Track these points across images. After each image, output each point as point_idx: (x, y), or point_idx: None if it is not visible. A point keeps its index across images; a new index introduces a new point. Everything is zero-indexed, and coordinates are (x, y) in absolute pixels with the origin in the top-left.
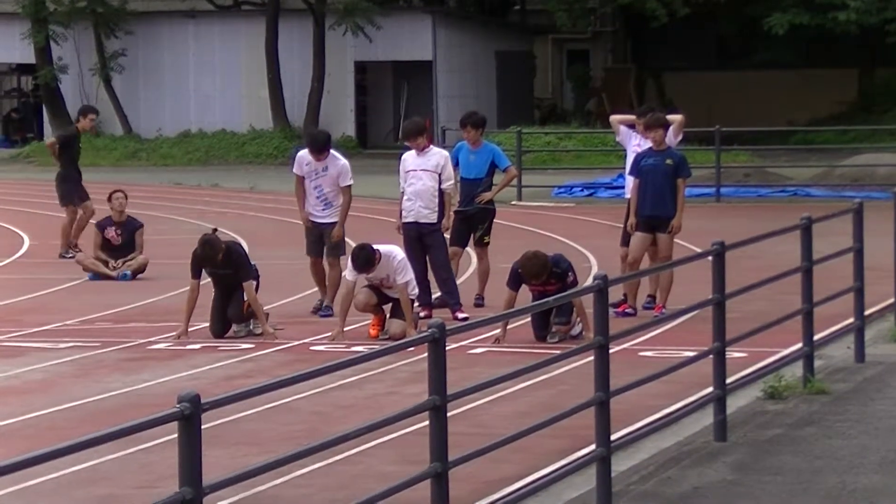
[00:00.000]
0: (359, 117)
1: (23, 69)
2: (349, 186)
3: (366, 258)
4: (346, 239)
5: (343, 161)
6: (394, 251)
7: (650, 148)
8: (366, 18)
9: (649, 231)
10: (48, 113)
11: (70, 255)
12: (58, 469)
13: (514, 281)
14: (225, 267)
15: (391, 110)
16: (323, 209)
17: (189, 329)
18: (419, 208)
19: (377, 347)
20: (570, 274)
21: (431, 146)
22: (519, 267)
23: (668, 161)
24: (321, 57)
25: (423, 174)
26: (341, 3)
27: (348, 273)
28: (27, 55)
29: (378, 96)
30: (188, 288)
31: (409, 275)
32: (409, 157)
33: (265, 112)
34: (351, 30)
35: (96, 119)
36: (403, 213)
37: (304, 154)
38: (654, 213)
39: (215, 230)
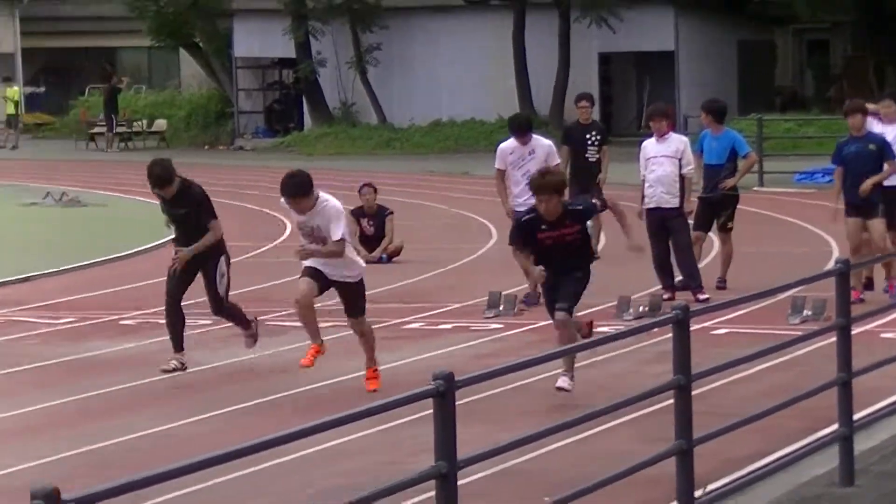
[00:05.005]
0: (603, 107)
1: (284, 63)
2: (558, 166)
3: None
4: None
5: (548, 142)
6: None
7: (851, 135)
8: (609, 11)
9: (859, 216)
10: (307, 104)
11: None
12: (318, 443)
13: (518, 235)
14: None
15: (634, 100)
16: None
17: (443, 310)
18: (661, 194)
19: (622, 328)
20: (589, 203)
21: (671, 133)
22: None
23: (871, 146)
24: (566, 48)
25: (663, 160)
26: None
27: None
28: (288, 50)
29: (621, 86)
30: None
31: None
32: (650, 145)
33: (512, 101)
34: (595, 22)
35: (588, 106)
36: (646, 200)
37: (506, 146)
38: (860, 199)
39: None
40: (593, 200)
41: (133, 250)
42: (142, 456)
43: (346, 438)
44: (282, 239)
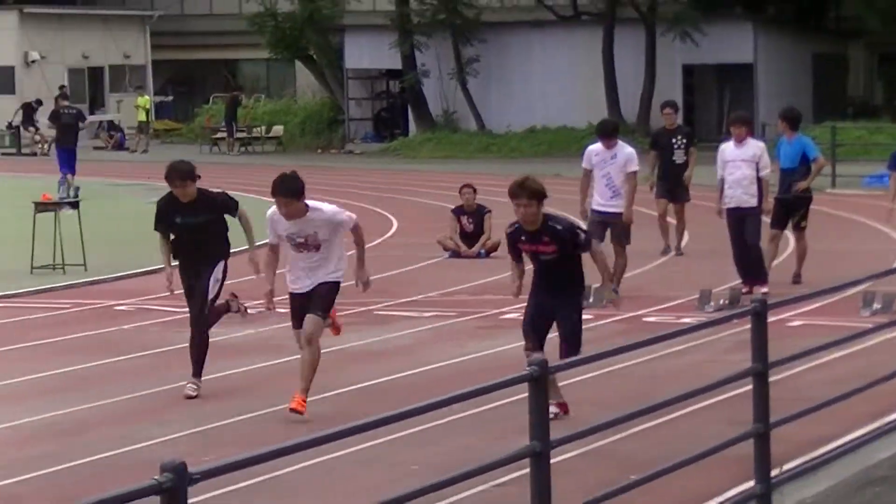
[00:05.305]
0: (686, 115)
1: (391, 74)
2: (634, 173)
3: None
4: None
5: (630, 149)
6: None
7: None
8: (692, 26)
9: None
10: (412, 112)
11: (672, 252)
12: (422, 423)
13: (509, 245)
14: None
15: (715, 108)
16: (611, 197)
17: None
18: (740, 195)
19: (703, 319)
20: (575, 232)
21: (749, 138)
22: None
23: None
24: (652, 61)
25: (741, 164)
26: (670, 13)
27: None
28: (395, 62)
29: (703, 96)
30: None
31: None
32: (728, 149)
33: (602, 109)
34: (679, 36)
35: (672, 113)
36: (725, 200)
37: (592, 148)
38: None
39: None
40: (579, 230)
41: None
42: (260, 434)
43: (448, 419)
44: (390, 234)
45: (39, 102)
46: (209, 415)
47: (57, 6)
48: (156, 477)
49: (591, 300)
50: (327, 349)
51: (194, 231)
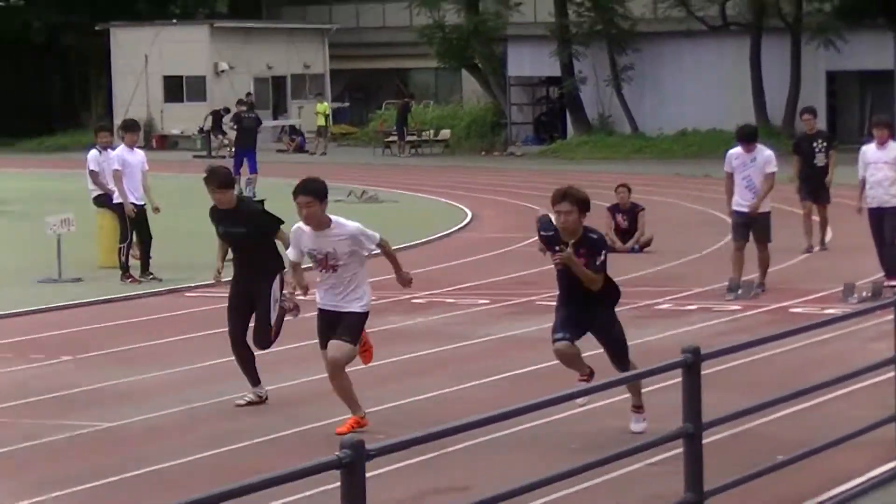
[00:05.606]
0: (829, 118)
1: (550, 81)
2: (773, 174)
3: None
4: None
5: (769, 151)
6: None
7: None
8: (836, 34)
9: None
10: (570, 116)
11: (816, 248)
12: (564, 410)
13: (544, 242)
14: None
15: (857, 113)
16: (752, 198)
17: (688, 293)
18: (881, 195)
19: (848, 311)
20: (602, 250)
21: (891, 141)
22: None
23: None
24: (797, 68)
25: (883, 165)
26: (815, 22)
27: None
28: (554, 69)
29: (845, 100)
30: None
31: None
32: (870, 151)
33: (749, 113)
34: (822, 44)
35: (811, 119)
36: (868, 200)
37: (732, 152)
38: None
39: None
40: (605, 251)
41: (422, 239)
42: (429, 414)
43: (604, 402)
44: None
45: (227, 110)
46: (378, 398)
47: (244, 21)
48: (337, 453)
49: (740, 292)
50: (495, 336)
51: (238, 242)
